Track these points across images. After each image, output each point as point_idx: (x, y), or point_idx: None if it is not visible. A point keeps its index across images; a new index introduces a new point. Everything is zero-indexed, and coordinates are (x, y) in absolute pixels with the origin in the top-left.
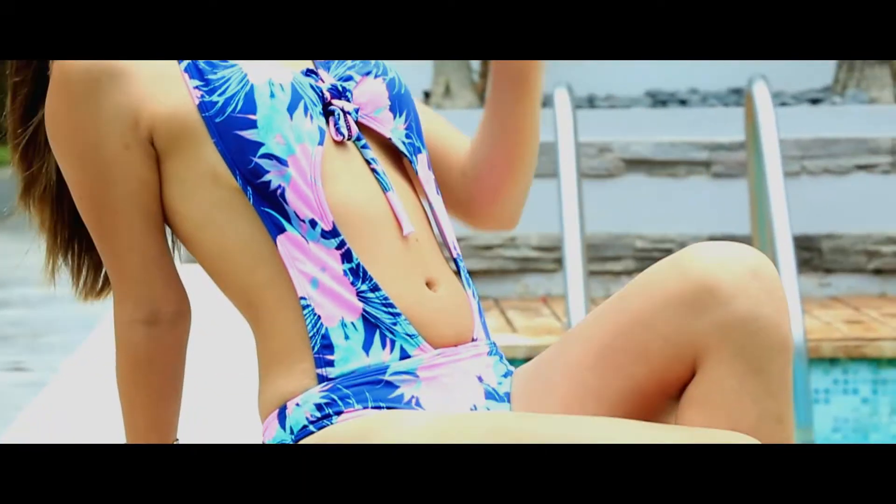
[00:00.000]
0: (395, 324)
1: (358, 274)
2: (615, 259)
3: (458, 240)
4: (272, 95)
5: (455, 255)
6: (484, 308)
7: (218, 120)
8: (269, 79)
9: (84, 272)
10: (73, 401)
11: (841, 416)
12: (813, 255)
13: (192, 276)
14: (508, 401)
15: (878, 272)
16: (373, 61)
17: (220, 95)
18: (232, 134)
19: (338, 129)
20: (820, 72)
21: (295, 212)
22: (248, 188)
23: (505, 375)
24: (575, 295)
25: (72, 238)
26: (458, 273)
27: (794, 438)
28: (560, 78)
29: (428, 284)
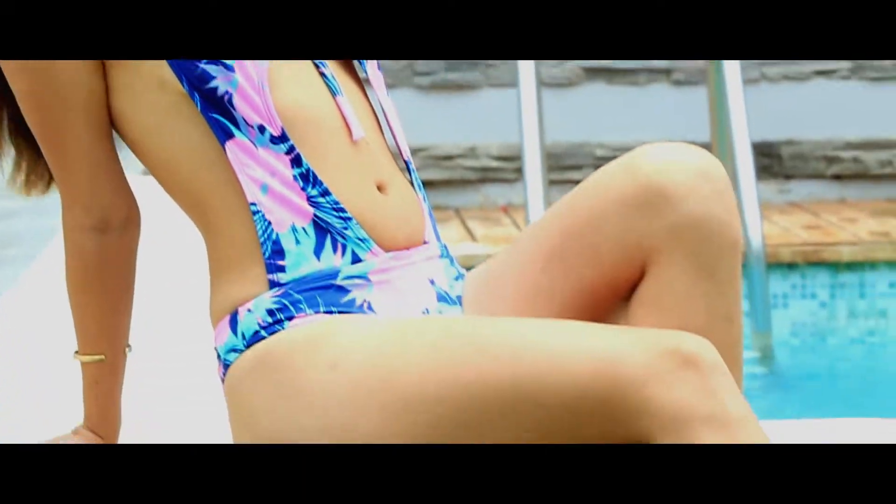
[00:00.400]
0: (346, 228)
1: (308, 179)
2: (575, 168)
3: (418, 150)
4: None
5: (406, 158)
6: (444, 218)
7: None
8: None
9: (29, 164)
10: (31, 310)
11: (799, 320)
12: (772, 161)
13: (148, 188)
14: (460, 304)
15: (837, 178)
16: None
17: None
18: None
19: None
20: None
21: (243, 117)
22: (196, 94)
23: (457, 278)
24: (535, 204)
25: (18, 131)
26: (409, 177)
27: (743, 336)
28: None
29: (378, 188)
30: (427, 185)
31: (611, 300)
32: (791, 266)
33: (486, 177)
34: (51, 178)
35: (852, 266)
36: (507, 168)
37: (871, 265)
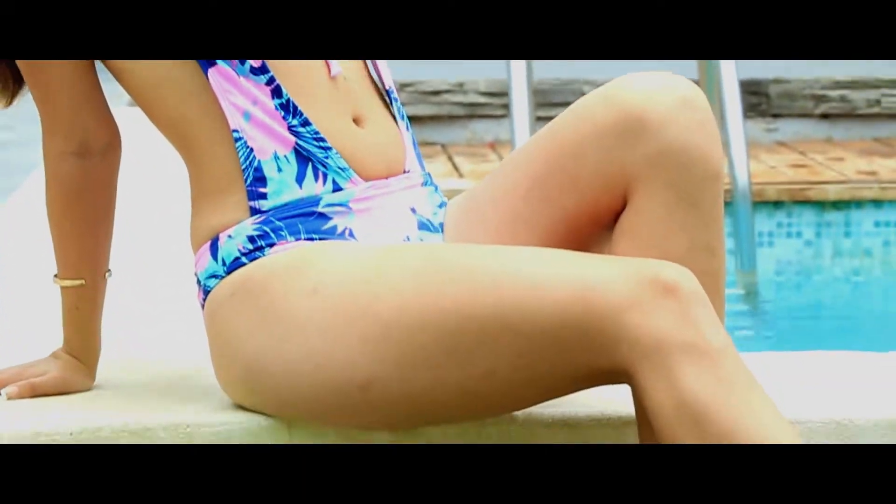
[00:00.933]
0: (326, 157)
1: (288, 109)
2: (563, 105)
3: (406, 85)
4: None
5: (388, 88)
6: (431, 153)
7: None
8: None
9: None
10: (11, 237)
11: (784, 258)
12: (760, 99)
13: (135, 119)
14: (443, 231)
15: (824, 117)
16: None
17: None
18: None
19: None
20: None
21: None
22: None
23: (440, 206)
24: (522, 140)
25: None
26: (392, 109)
27: (726, 268)
28: None
29: (356, 121)
30: (414, 120)
31: (593, 229)
32: (777, 204)
33: (473, 113)
34: (14, 91)
35: (838, 205)
36: (495, 104)
37: (857, 204)
